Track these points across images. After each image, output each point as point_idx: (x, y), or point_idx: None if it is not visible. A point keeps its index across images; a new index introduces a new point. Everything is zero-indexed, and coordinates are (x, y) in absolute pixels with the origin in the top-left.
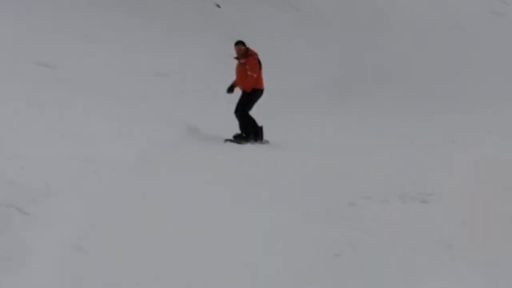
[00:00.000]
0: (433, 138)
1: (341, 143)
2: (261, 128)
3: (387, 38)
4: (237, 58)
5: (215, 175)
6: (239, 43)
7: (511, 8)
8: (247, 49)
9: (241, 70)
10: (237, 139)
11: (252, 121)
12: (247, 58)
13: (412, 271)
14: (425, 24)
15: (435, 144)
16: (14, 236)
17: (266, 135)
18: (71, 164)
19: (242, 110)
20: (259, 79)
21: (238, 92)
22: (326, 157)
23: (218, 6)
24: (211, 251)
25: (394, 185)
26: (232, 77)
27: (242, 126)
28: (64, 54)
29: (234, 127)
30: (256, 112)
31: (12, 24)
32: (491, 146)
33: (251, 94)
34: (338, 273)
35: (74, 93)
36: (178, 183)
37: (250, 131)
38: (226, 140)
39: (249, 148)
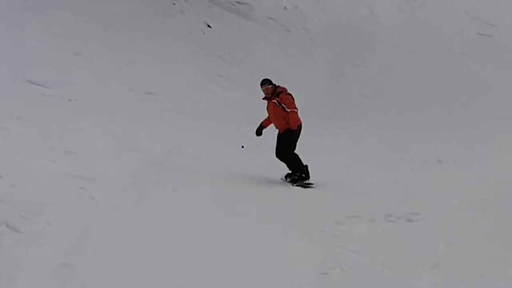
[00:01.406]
0: (420, 157)
1: (328, 162)
2: (306, 166)
3: (374, 57)
4: (265, 98)
5: (204, 194)
6: (266, 83)
7: (497, 29)
8: (276, 86)
9: (276, 110)
10: (298, 181)
11: (298, 159)
12: (278, 96)
13: None
14: (412, 44)
15: (423, 163)
16: (4, 253)
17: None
18: (63, 181)
19: (288, 151)
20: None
21: (269, 133)
22: (314, 176)
23: (209, 26)
24: (202, 262)
25: (381, 204)
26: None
27: (293, 166)
28: (57, 72)
29: (226, 147)
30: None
31: (1, 42)
32: (478, 165)
33: (297, 131)
34: None
35: (66, 110)
36: (166, 201)
37: (303, 167)
38: (293, 184)
39: (238, 169)
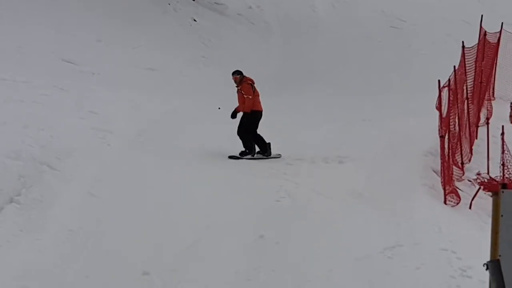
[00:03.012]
0: (348, 116)
1: (280, 121)
2: (269, 144)
3: (314, 44)
4: (237, 86)
5: (191, 144)
6: (235, 73)
7: (405, 24)
8: (243, 77)
9: (239, 96)
10: (241, 154)
11: (259, 139)
12: (242, 84)
13: (332, 214)
14: (342, 34)
15: (350, 120)
16: (46, 185)
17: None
18: (87, 133)
19: (243, 131)
20: (255, 101)
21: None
22: (271, 130)
23: (195, 20)
24: (188, 191)
25: (319, 150)
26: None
27: (244, 143)
28: (84, 53)
29: (203, 110)
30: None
31: (43, 30)
32: (388, 122)
33: (250, 115)
34: (278, 213)
35: (91, 81)
36: (163, 147)
37: (252, 147)
38: (230, 156)
39: (214, 124)
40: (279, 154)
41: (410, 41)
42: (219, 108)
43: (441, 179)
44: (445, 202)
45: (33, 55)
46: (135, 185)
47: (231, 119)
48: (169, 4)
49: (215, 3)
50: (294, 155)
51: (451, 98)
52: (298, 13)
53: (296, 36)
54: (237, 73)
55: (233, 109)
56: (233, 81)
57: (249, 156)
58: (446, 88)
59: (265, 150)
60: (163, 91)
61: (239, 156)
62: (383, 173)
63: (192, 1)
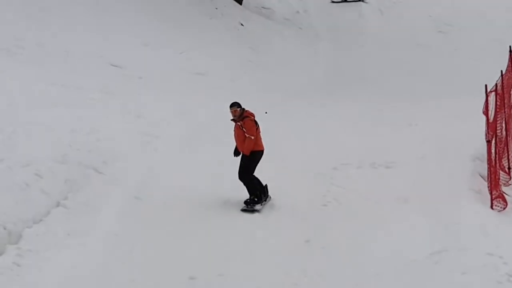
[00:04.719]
0: (395, 121)
1: (327, 126)
2: (265, 186)
3: (361, 48)
4: (233, 120)
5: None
6: (234, 105)
7: (452, 28)
8: (243, 110)
9: (239, 133)
10: (250, 205)
11: (256, 182)
12: (243, 120)
13: (378, 219)
14: (389, 38)
15: (397, 125)
16: (92, 189)
17: (277, 115)
18: (134, 137)
19: (247, 176)
20: (258, 140)
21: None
22: (318, 135)
23: (242, 24)
24: (235, 195)
25: (366, 155)
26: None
27: (250, 190)
28: (131, 57)
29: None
30: (271, 104)
31: (90, 34)
32: (435, 127)
33: (251, 157)
34: (325, 218)
35: (138, 85)
36: (208, 152)
37: (260, 195)
38: (242, 210)
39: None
40: (270, 196)
41: (457, 45)
42: (266, 113)
43: (488, 183)
44: (491, 207)
45: (80, 59)
46: (182, 189)
47: (234, 157)
48: (216, 8)
49: (262, 7)
50: (341, 159)
51: (498, 103)
52: (345, 18)
53: (343, 41)
54: (236, 106)
55: (235, 147)
56: (231, 114)
57: (259, 206)
58: (493, 93)
59: (264, 194)
60: (210, 95)
61: (250, 208)
62: (429, 178)
63: (239, 6)
